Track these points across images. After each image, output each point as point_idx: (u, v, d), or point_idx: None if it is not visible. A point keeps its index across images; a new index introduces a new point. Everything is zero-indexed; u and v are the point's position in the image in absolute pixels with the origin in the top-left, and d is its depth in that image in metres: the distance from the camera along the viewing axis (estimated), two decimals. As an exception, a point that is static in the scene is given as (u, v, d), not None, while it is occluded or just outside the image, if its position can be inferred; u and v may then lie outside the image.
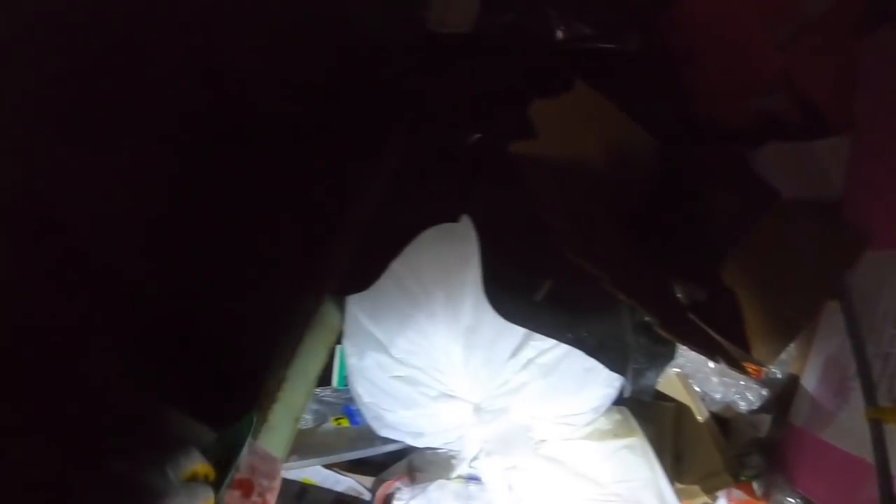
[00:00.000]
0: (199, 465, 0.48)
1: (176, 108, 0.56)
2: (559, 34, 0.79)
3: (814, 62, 0.79)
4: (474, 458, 0.64)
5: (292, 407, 0.71)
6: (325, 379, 0.84)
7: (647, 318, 0.54)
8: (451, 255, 0.64)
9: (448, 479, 0.67)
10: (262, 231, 0.72)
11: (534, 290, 0.60)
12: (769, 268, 0.76)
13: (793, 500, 0.79)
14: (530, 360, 0.61)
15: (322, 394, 0.85)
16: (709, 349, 0.63)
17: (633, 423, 0.70)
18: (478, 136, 0.72)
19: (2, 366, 0.43)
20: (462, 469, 0.66)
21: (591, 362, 0.60)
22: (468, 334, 0.62)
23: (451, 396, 0.64)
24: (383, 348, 0.65)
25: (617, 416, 0.70)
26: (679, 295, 0.74)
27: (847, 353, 0.73)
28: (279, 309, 0.73)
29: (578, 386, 0.62)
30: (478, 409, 0.63)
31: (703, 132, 0.85)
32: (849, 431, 0.70)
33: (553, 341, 0.60)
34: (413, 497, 0.69)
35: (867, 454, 0.62)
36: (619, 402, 0.72)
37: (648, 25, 0.85)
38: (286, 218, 0.76)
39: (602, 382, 0.64)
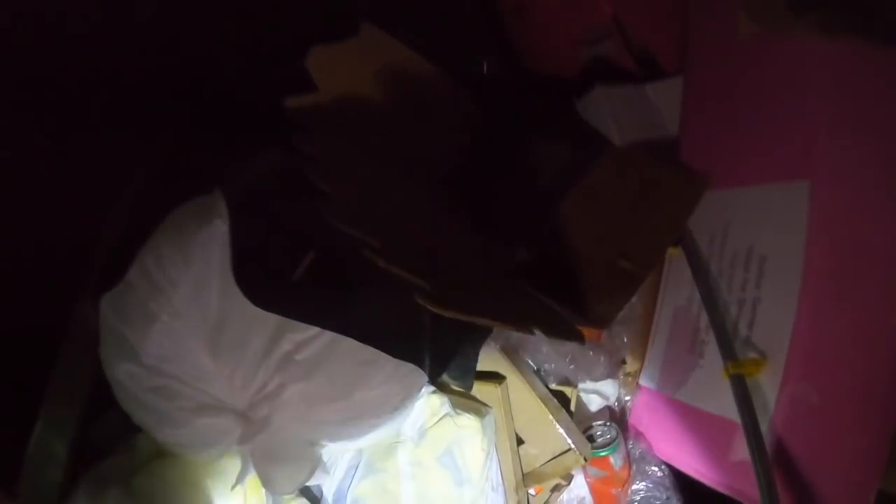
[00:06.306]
0: None
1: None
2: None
3: (645, 6, 0.75)
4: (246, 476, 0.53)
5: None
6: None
7: (411, 288, 0.44)
8: (197, 235, 0.51)
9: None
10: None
11: (293, 266, 0.50)
12: (602, 219, 0.69)
13: (657, 469, 0.74)
14: (288, 357, 0.50)
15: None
16: (517, 321, 0.54)
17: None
18: (245, 97, 0.61)
19: None
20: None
21: (370, 352, 0.49)
22: (216, 331, 0.50)
23: (211, 407, 0.52)
24: (134, 355, 0.52)
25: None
26: (499, 256, 0.66)
27: (697, 304, 0.68)
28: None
29: (352, 385, 0.51)
30: (242, 419, 0.52)
31: (527, 82, 0.78)
32: (708, 390, 0.64)
33: (315, 330, 0.49)
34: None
35: (731, 413, 0.56)
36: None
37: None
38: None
39: (385, 376, 0.52)
